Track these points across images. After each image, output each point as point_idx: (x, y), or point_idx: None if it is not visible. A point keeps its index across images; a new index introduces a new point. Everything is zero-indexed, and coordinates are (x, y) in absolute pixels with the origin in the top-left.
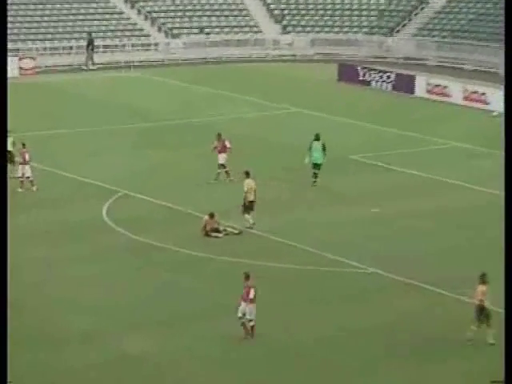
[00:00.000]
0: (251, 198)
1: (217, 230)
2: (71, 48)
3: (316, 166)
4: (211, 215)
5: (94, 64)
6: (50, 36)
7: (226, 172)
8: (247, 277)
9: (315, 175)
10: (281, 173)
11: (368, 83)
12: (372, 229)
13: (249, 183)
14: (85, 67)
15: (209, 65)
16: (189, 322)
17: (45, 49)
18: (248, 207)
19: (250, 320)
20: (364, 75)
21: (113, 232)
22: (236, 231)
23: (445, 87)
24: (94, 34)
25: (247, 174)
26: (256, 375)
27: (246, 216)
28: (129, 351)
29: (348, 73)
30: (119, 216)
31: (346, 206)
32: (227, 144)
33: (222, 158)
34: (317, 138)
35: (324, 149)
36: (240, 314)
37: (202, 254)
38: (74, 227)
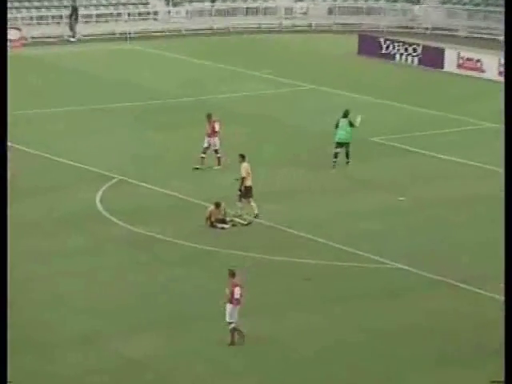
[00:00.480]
0: (249, 182)
1: (223, 221)
2: (61, 17)
3: (339, 144)
4: (217, 205)
5: (75, 34)
6: (36, 4)
7: (202, 158)
8: (232, 274)
9: (336, 155)
10: (294, 157)
11: (392, 57)
12: (396, 219)
13: (246, 167)
14: (72, 39)
15: (214, 36)
16: (195, 322)
17: (31, 18)
18: (246, 194)
19: (230, 323)
20: (387, 48)
21: (108, 223)
22: (244, 222)
23: (478, 61)
24: (84, 2)
25: (243, 158)
26: (268, 382)
27: (239, 204)
28: (130, 355)
29: (369, 45)
30: (115, 205)
31: (367, 194)
32: (216, 127)
33: (207, 141)
34: (345, 115)
35: (351, 125)
36: (228, 319)
37: (208, 247)
38: (66, 218)
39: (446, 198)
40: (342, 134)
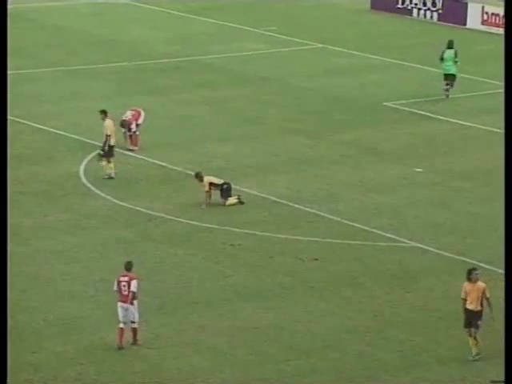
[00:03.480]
0: (113, 141)
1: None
2: None
3: (447, 76)
4: (197, 176)
5: None
6: None
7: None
8: (129, 268)
9: (447, 87)
10: (300, 123)
11: (408, 12)
12: (413, 193)
13: (110, 125)
14: None
15: None
16: (189, 308)
17: None
18: (109, 153)
19: (132, 322)
20: (403, 2)
21: (93, 196)
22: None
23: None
24: None
25: (105, 114)
26: (270, 374)
27: (104, 164)
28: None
29: None
30: (100, 177)
31: (381, 165)
32: None
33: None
34: (450, 46)
35: (456, 56)
36: (121, 318)
37: (204, 224)
38: (45, 191)
39: (469, 169)
40: (449, 65)
